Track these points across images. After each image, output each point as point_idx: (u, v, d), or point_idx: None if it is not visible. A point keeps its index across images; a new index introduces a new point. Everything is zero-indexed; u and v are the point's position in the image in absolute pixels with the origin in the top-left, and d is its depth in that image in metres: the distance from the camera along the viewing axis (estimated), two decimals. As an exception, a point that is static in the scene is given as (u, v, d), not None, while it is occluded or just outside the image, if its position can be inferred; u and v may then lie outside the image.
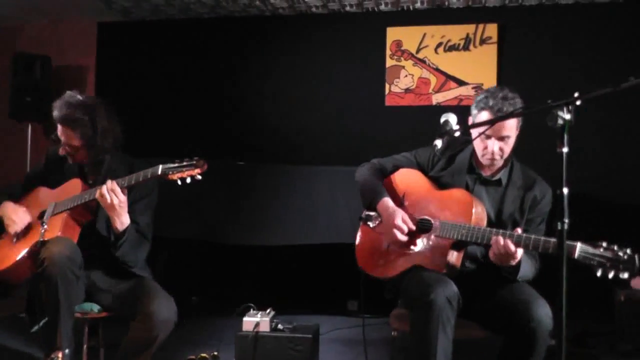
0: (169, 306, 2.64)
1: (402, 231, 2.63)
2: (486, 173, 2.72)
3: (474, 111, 2.65)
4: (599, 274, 2.07)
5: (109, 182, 2.62)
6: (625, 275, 2.02)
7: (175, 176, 2.55)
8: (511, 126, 2.58)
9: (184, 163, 2.56)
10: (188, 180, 2.56)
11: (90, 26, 5.71)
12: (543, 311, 2.35)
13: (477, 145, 2.65)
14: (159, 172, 2.57)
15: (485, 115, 2.58)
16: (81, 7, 5.38)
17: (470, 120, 2.67)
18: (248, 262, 5.01)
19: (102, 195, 2.60)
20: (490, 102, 2.56)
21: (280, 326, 3.27)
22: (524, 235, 2.37)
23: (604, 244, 2.09)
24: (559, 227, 1.78)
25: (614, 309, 3.91)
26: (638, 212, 3.23)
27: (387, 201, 2.72)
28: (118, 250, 2.70)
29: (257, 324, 3.22)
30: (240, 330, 3.24)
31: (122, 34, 5.66)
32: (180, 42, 5.56)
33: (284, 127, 5.36)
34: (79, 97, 2.79)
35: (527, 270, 2.54)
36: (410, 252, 2.65)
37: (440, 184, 2.77)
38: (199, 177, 2.58)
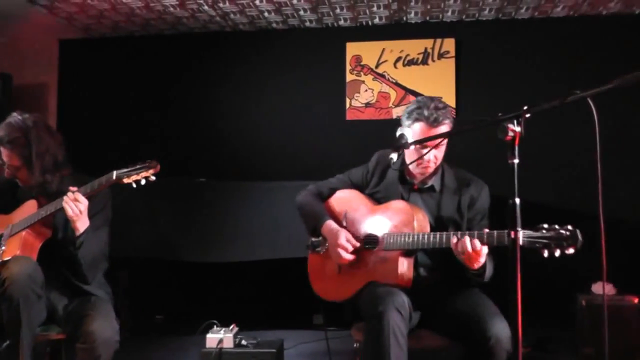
0: (110, 325, 2.62)
1: (346, 250, 2.68)
2: (418, 181, 2.78)
3: (406, 121, 2.70)
4: (545, 254, 2.11)
5: (70, 193, 2.65)
6: (571, 251, 2.06)
7: (131, 179, 2.62)
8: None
9: (137, 166, 2.64)
10: (143, 182, 2.63)
11: (51, 43, 5.67)
12: (501, 329, 2.38)
13: (411, 154, 2.70)
14: (114, 178, 2.63)
15: (419, 126, 2.64)
16: (42, 25, 5.35)
17: (400, 130, 2.69)
18: (211, 279, 5.01)
19: (67, 204, 2.64)
20: (425, 113, 2.62)
21: (244, 342, 3.29)
22: (477, 232, 2.43)
23: (545, 225, 2.14)
24: (513, 237, 1.83)
25: (575, 315, 3.99)
26: (582, 219, 3.36)
27: (330, 223, 2.78)
28: (80, 249, 2.70)
29: (221, 340, 3.25)
30: (204, 347, 3.26)
31: (84, 51, 5.64)
32: (141, 59, 5.56)
33: (245, 143, 5.38)
34: (19, 117, 2.84)
35: (490, 270, 2.60)
36: (362, 270, 2.70)
37: (377, 199, 2.83)
38: (153, 177, 2.66)
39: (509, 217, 1.86)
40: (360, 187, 2.92)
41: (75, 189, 2.68)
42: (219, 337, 3.26)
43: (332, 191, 2.95)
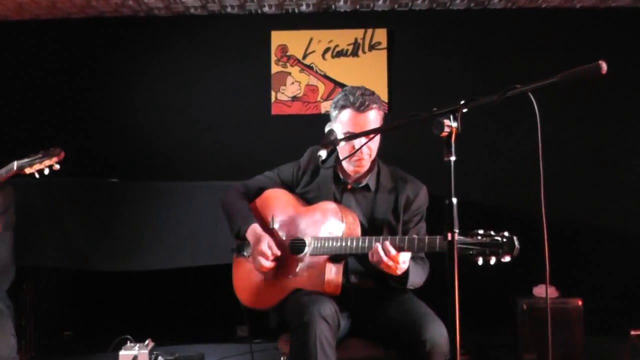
0: (5, 342, 2.55)
1: (266, 257, 2.66)
2: (352, 180, 2.80)
3: (334, 112, 2.73)
4: (480, 262, 2.11)
5: None
6: (507, 259, 2.07)
7: (33, 169, 2.62)
8: (376, 122, 2.69)
9: (39, 155, 2.63)
10: (46, 171, 2.64)
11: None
12: (437, 332, 2.41)
13: (343, 149, 2.71)
14: (15, 168, 2.60)
15: (347, 113, 2.67)
16: None
17: (330, 126, 2.71)
18: (124, 289, 4.88)
19: None
20: (351, 99, 2.66)
21: (160, 358, 3.25)
22: (407, 237, 2.45)
23: (480, 231, 2.14)
24: (450, 238, 1.84)
25: (515, 319, 4.06)
26: (523, 219, 3.43)
27: (255, 227, 2.75)
28: None
29: (135, 357, 3.20)
30: (117, 365, 3.19)
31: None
32: (47, 45, 5.34)
33: (161, 140, 5.26)
34: None
35: (417, 275, 2.63)
36: (288, 276, 2.69)
37: (307, 199, 2.83)
38: (57, 166, 2.67)
39: (445, 217, 1.87)
40: (290, 186, 2.91)
41: None
42: (133, 353, 3.22)
43: (260, 190, 2.92)
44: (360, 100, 2.64)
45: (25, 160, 2.60)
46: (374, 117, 2.67)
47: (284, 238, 2.75)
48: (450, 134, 1.86)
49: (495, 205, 4.90)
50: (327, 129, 2.63)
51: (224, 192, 2.99)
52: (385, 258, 2.42)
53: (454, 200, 1.85)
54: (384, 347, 2.62)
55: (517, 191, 4.71)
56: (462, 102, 1.88)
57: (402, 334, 2.49)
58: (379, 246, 2.42)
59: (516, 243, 2.07)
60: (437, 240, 2.35)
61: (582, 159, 4.98)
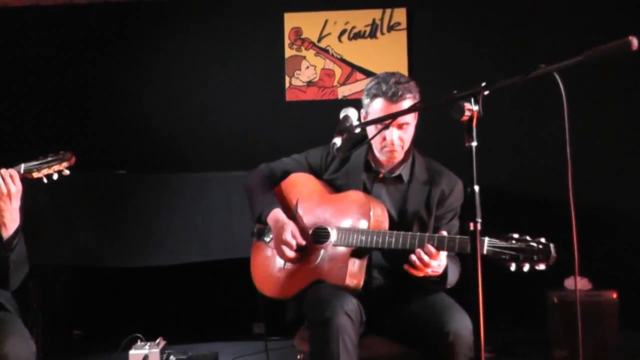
0: (24, 345, 2.53)
1: (290, 247, 2.67)
2: (385, 170, 2.79)
3: (365, 100, 2.73)
4: (512, 268, 2.14)
5: (4, 170, 2.57)
6: (542, 267, 2.10)
7: (41, 173, 2.58)
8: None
9: (49, 158, 2.60)
10: (55, 176, 2.60)
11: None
12: (461, 323, 2.42)
13: (375, 138, 2.68)
14: (22, 171, 2.57)
15: (379, 103, 2.66)
16: None
17: (363, 112, 2.73)
18: (134, 286, 4.93)
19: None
20: (384, 87, 2.64)
21: (172, 357, 3.29)
22: (437, 235, 2.45)
23: (515, 236, 2.17)
24: (472, 228, 1.85)
25: (546, 313, 4.03)
26: (552, 207, 3.41)
27: (278, 213, 2.76)
28: (12, 251, 2.61)
29: (146, 357, 3.23)
30: (127, 365, 3.24)
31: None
32: (48, 32, 5.35)
33: (170, 130, 5.30)
34: None
35: (454, 273, 2.62)
36: (309, 266, 2.70)
37: (335, 187, 2.83)
38: (67, 172, 2.63)
39: (467, 206, 1.88)
40: (318, 171, 2.90)
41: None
42: (144, 352, 3.25)
43: (285, 174, 2.92)
44: (393, 89, 2.62)
45: (34, 163, 2.58)
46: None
47: (307, 225, 2.75)
48: (471, 118, 1.85)
49: (521, 193, 4.87)
50: (341, 115, 2.61)
51: (249, 172, 3.01)
52: (434, 263, 2.41)
53: (476, 188, 1.85)
54: (404, 344, 2.63)
55: (544, 177, 4.69)
56: (484, 84, 1.87)
57: (423, 327, 2.50)
58: (421, 252, 2.41)
59: (552, 251, 2.11)
60: (468, 241, 2.36)
61: (616, 142, 4.91)
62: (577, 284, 3.91)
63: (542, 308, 4.11)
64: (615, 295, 3.90)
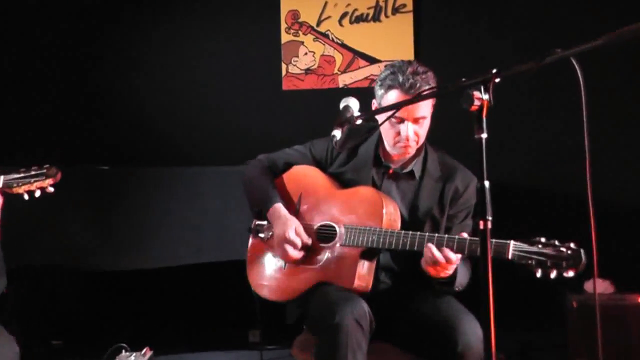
0: (9, 349, 2.57)
1: (295, 246, 2.65)
2: (396, 165, 2.77)
3: (379, 91, 2.70)
4: (538, 274, 2.14)
5: None
6: (571, 274, 2.11)
7: (22, 189, 2.55)
8: (427, 105, 2.64)
9: (32, 172, 2.57)
10: (37, 193, 2.56)
11: None
12: (472, 332, 2.41)
13: (386, 132, 2.68)
14: (0, 185, 2.54)
15: (394, 95, 2.63)
16: None
17: (375, 103, 2.72)
18: (119, 291, 4.93)
19: None
20: (400, 78, 2.61)
21: (159, 369, 3.26)
22: (447, 236, 2.45)
23: (542, 240, 2.17)
24: (482, 227, 1.81)
25: (565, 317, 3.99)
26: (569, 204, 3.36)
27: (279, 208, 2.75)
28: None
29: (131, 369, 3.21)
30: (110, 378, 3.22)
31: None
32: (36, 16, 5.34)
33: (160, 121, 5.28)
34: None
35: (463, 275, 2.61)
36: (313, 267, 2.68)
37: (342, 181, 2.81)
38: (51, 189, 2.60)
39: (477, 202, 1.86)
40: (322, 164, 2.88)
41: None
42: (129, 364, 3.22)
43: (287, 166, 2.91)
44: (410, 81, 2.59)
45: (14, 176, 2.55)
46: (426, 102, 2.61)
47: (310, 222, 2.74)
48: (481, 107, 1.81)
49: (535, 189, 4.81)
50: (341, 105, 2.56)
51: (247, 163, 2.99)
52: (446, 259, 2.40)
53: (487, 183, 1.81)
54: (412, 352, 2.62)
55: (560, 171, 4.65)
56: (495, 71, 1.83)
57: (431, 333, 2.50)
58: (433, 248, 2.41)
59: (583, 257, 2.12)
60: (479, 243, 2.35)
61: (639, 134, 4.83)
62: (598, 286, 3.86)
63: (561, 310, 4.07)
64: (640, 299, 3.89)
